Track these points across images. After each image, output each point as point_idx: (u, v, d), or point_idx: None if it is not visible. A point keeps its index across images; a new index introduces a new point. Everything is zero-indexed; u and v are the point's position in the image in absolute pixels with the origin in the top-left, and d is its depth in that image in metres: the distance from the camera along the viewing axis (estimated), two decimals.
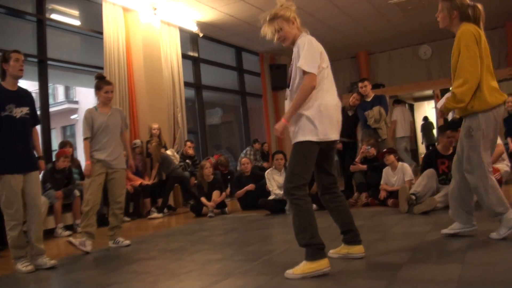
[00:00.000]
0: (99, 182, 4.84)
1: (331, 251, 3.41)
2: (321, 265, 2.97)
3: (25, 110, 4.16)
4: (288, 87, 3.25)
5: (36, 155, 4.38)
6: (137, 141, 8.11)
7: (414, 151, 13.65)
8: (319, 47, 3.20)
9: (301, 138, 3.08)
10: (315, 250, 2.99)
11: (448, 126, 6.23)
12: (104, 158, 4.85)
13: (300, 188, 3.06)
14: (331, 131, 3.13)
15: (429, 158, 5.94)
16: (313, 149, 3.10)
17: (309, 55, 3.08)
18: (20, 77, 4.19)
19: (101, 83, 4.95)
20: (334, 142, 3.22)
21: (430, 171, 5.62)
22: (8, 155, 4.02)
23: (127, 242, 4.96)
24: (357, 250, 3.35)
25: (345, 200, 3.51)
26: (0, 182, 3.99)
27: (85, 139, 4.87)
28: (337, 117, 3.21)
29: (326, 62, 3.22)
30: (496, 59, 12.53)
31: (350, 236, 3.37)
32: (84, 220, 4.76)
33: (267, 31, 3.27)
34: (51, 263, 4.14)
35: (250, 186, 7.24)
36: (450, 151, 5.78)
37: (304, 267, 2.99)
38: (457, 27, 3.62)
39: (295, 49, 3.18)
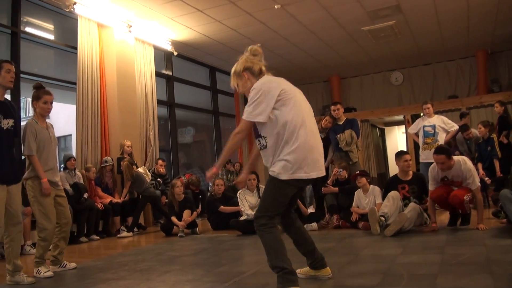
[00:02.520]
0: (52, 205, 4.51)
1: (298, 270, 3.37)
2: None
3: (10, 122, 4.09)
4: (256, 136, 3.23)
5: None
6: (108, 158, 7.99)
7: (383, 175, 13.81)
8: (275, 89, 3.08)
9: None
10: (283, 276, 2.94)
11: (404, 152, 6.41)
12: (53, 179, 4.51)
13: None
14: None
15: (390, 184, 6.19)
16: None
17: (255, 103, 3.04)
18: (9, 88, 4.14)
19: (40, 93, 4.46)
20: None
21: (394, 193, 5.80)
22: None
23: (74, 264, 4.73)
24: (325, 272, 3.38)
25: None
26: None
27: (32, 155, 4.36)
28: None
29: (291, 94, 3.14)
30: (466, 87, 12.87)
31: (314, 260, 3.39)
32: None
33: (232, 85, 3.34)
34: (29, 280, 4.07)
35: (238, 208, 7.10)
36: (410, 177, 6.00)
37: None
38: None
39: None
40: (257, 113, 3.01)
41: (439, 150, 5.45)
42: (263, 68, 3.25)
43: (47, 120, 4.74)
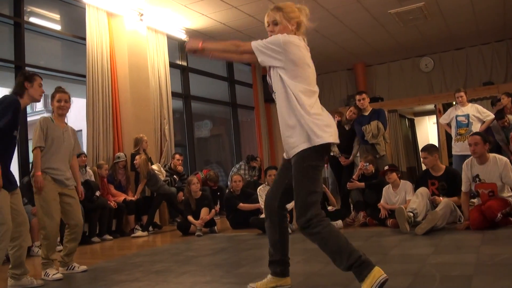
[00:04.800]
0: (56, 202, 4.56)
1: (252, 284, 3.28)
2: (375, 276, 2.77)
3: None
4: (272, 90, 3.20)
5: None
6: (121, 154, 8.06)
7: (413, 169, 13.69)
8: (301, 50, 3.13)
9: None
10: (360, 266, 2.82)
11: (423, 148, 6.33)
12: (58, 178, 4.56)
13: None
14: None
15: (420, 179, 6.15)
16: None
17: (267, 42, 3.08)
18: (37, 101, 4.39)
19: (54, 91, 4.69)
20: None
21: (423, 189, 5.74)
22: (8, 172, 4.03)
23: (84, 267, 4.75)
24: (286, 282, 3.29)
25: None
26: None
27: (37, 148, 4.50)
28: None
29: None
30: (503, 73, 12.62)
31: (285, 267, 3.30)
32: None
33: (265, 18, 3.26)
34: (38, 283, 4.13)
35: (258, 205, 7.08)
36: (442, 172, 5.94)
37: None
38: None
39: None
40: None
41: (475, 133, 5.66)
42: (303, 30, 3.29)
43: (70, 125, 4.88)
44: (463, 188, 5.54)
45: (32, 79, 4.17)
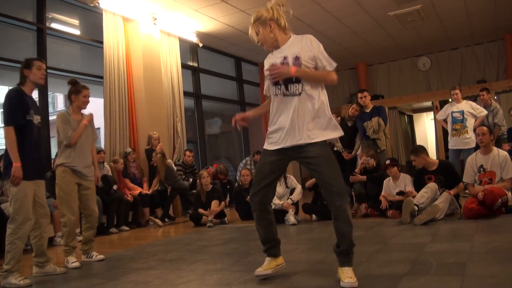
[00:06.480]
0: (74, 192, 4.60)
1: (259, 269, 3.25)
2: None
3: (39, 119, 4.19)
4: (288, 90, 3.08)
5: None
6: (127, 149, 8.08)
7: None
8: None
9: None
10: (352, 251, 3.04)
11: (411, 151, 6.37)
12: (77, 168, 4.58)
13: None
14: None
15: (417, 176, 6.13)
16: None
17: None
18: (41, 84, 4.26)
19: (79, 87, 4.70)
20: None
21: (433, 185, 5.69)
22: (29, 162, 4.01)
23: (102, 256, 4.76)
24: (281, 260, 3.34)
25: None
26: (20, 188, 3.94)
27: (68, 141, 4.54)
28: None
29: None
30: (495, 72, 12.59)
31: (278, 248, 3.34)
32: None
33: (250, 33, 3.25)
34: (61, 270, 4.22)
35: None
36: (435, 166, 5.95)
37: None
38: None
39: (304, 42, 3.11)
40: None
41: (482, 125, 5.99)
42: (287, 23, 3.20)
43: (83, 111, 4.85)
44: (468, 180, 5.66)
45: (31, 65, 4.11)
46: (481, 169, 5.49)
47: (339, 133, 3.10)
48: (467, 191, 5.90)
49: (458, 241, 4.16)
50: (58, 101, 23.53)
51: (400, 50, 12.97)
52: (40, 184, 4.20)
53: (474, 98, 8.94)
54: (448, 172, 5.87)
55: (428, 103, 13.26)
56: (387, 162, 6.35)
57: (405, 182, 6.19)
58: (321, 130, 3.04)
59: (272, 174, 3.20)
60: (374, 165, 6.77)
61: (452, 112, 7.79)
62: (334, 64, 3.08)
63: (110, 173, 7.42)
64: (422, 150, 6.12)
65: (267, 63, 3.20)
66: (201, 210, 7.12)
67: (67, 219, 4.51)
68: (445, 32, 11.51)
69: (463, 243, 4.00)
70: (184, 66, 10.18)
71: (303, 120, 3.03)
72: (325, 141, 3.08)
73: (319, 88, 3.08)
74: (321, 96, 3.07)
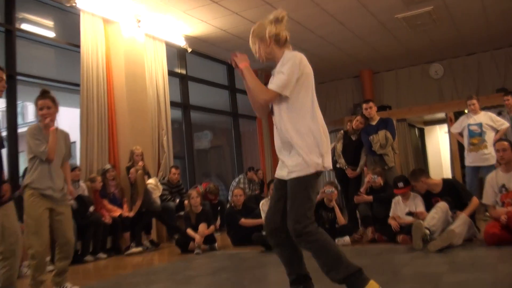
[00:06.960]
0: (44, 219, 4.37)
1: None
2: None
3: None
4: (272, 113, 3.32)
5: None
6: (106, 166, 7.89)
7: None
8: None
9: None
10: (359, 278, 2.93)
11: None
12: (47, 193, 4.37)
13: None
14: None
15: (424, 199, 6.06)
16: None
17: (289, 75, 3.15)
18: None
19: (35, 98, 4.44)
20: None
21: (443, 204, 5.58)
22: None
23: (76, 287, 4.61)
24: None
25: None
26: None
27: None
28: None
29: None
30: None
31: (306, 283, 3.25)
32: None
33: (250, 44, 3.34)
34: None
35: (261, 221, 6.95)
36: (440, 188, 5.92)
37: None
38: None
39: (283, 58, 3.24)
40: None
41: (502, 139, 5.84)
42: (288, 37, 3.29)
43: (61, 128, 4.65)
44: (489, 202, 5.57)
45: None
46: (503, 189, 5.41)
47: None
48: (487, 213, 5.81)
49: (479, 271, 4.08)
50: (28, 112, 23.37)
51: (410, 56, 12.99)
52: (7, 208, 4.05)
53: (498, 112, 8.82)
54: (455, 191, 5.82)
55: (441, 115, 13.25)
56: (401, 185, 6.17)
57: (416, 202, 6.11)
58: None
59: None
60: (382, 184, 6.70)
61: (469, 125, 7.73)
62: (280, 89, 3.22)
63: (86, 193, 7.27)
64: (420, 173, 6.08)
65: None
66: (189, 231, 6.99)
67: (35, 251, 4.26)
68: (459, 36, 11.51)
69: (485, 273, 3.95)
70: (171, 73, 10.14)
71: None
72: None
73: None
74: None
